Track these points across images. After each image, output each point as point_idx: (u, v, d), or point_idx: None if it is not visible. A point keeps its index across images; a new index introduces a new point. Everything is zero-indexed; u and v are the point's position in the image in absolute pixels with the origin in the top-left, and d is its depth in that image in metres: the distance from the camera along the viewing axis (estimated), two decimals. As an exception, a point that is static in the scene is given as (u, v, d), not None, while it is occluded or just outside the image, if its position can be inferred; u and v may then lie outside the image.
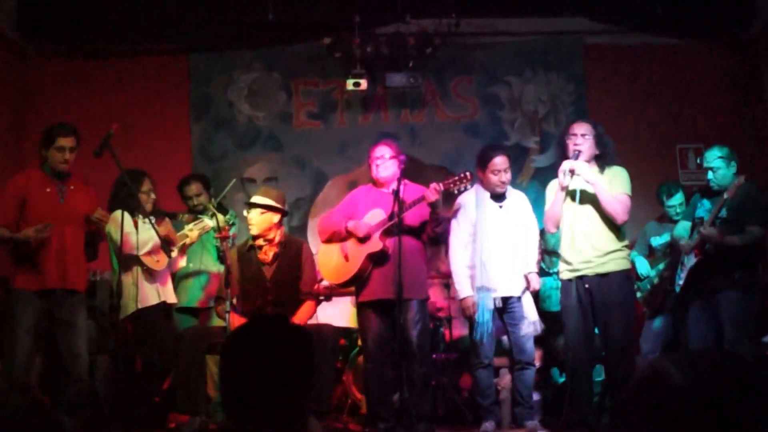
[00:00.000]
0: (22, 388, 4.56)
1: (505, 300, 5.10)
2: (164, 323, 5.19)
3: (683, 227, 5.21)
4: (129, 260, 4.96)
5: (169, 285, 5.28)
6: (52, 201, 4.75)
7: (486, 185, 5.19)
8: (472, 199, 5.20)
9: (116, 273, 4.95)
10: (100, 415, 5.14)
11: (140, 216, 4.99)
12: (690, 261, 4.98)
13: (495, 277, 5.05)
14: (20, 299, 4.67)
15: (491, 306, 5.04)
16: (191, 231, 5.36)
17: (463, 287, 5.13)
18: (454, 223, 5.23)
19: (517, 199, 5.29)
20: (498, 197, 5.20)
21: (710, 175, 5.00)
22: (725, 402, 1.33)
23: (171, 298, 5.27)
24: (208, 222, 5.44)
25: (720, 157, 5.01)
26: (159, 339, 5.08)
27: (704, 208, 5.05)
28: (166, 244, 5.02)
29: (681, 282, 5.06)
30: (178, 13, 6.89)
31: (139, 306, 4.94)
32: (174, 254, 5.25)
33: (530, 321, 5.11)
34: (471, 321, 5.10)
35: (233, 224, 5.41)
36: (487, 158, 5.16)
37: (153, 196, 5.24)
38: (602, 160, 4.89)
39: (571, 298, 4.80)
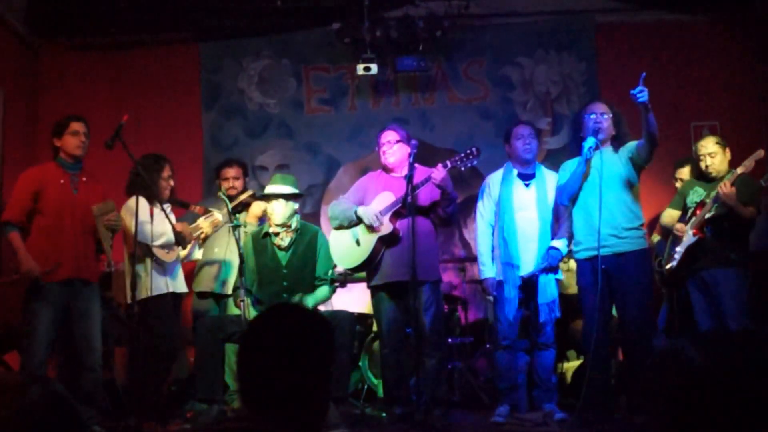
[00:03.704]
0: (41, 380, 4.57)
1: (526, 280, 5.08)
2: (172, 312, 5.20)
3: (668, 215, 5.24)
4: (141, 249, 4.98)
5: (180, 276, 5.27)
6: (66, 192, 4.83)
7: (514, 159, 5.21)
8: (499, 178, 5.21)
9: (129, 262, 4.97)
10: (117, 406, 5.18)
11: (157, 204, 4.99)
12: (685, 241, 5.04)
13: (517, 255, 5.04)
14: (39, 293, 4.70)
15: (516, 282, 5.02)
16: (204, 224, 5.37)
17: (485, 267, 5.11)
18: (479, 203, 5.24)
19: (548, 178, 5.22)
20: (526, 176, 5.18)
21: (708, 161, 5.11)
22: (744, 382, 1.32)
23: (180, 288, 5.26)
24: (218, 216, 5.43)
25: (717, 143, 5.13)
26: (168, 327, 5.10)
27: (697, 194, 5.13)
28: (181, 239, 5.06)
29: (674, 263, 5.10)
30: (187, 2, 6.88)
31: (149, 294, 4.94)
32: (187, 248, 5.28)
33: (545, 303, 5.08)
34: (493, 301, 5.08)
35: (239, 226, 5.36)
36: (510, 130, 5.25)
37: (172, 182, 5.24)
38: (617, 141, 4.90)
39: (587, 279, 4.78)
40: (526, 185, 5.17)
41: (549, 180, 5.20)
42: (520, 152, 5.15)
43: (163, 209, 4.95)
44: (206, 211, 5.44)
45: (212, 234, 5.49)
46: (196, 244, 5.61)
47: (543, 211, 5.11)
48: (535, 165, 5.25)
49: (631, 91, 4.42)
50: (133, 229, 4.81)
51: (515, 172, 5.19)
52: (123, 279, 5.24)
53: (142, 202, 4.90)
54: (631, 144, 4.84)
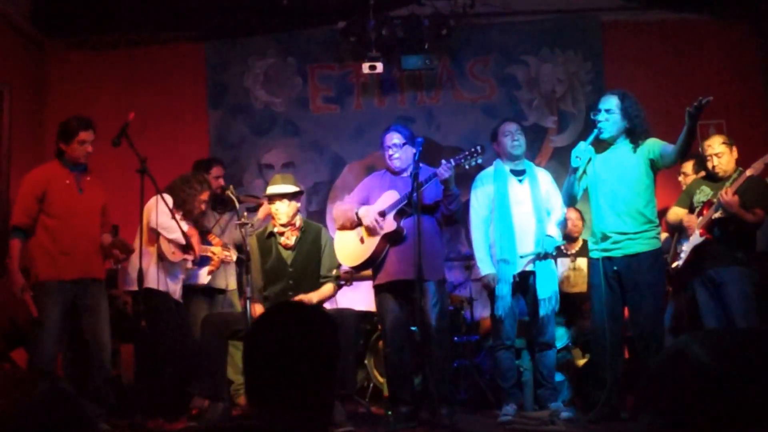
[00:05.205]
0: (48, 377, 4.57)
1: (524, 277, 5.07)
2: (176, 312, 5.22)
3: (674, 213, 5.24)
4: (150, 238, 4.99)
5: (179, 284, 5.30)
6: (71, 192, 4.83)
7: (503, 155, 5.21)
8: (490, 174, 5.21)
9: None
10: (124, 403, 5.19)
11: (180, 214, 5.02)
12: (692, 241, 5.03)
13: (514, 251, 5.02)
14: (47, 291, 4.70)
15: (511, 279, 5.01)
16: (216, 251, 5.43)
17: (483, 264, 5.10)
18: (472, 199, 5.21)
19: (539, 175, 5.25)
20: (517, 172, 5.18)
21: (715, 161, 5.09)
22: (752, 381, 1.31)
23: (176, 294, 5.28)
24: (233, 256, 5.56)
25: (723, 143, 5.10)
26: (170, 324, 5.11)
27: (704, 193, 5.11)
28: (189, 245, 5.09)
29: (680, 262, 5.09)
30: (194, 1, 6.89)
31: (148, 285, 4.95)
32: (189, 263, 5.31)
33: (544, 299, 5.06)
34: (492, 299, 5.08)
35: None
36: (496, 128, 5.27)
37: (203, 207, 5.31)
38: (633, 135, 4.79)
39: (598, 278, 4.76)
40: (519, 181, 5.17)
41: (540, 175, 5.25)
42: (509, 148, 5.14)
43: (177, 222, 4.95)
44: (224, 245, 5.52)
45: (219, 266, 5.57)
46: (200, 269, 5.60)
47: (537, 206, 5.11)
48: (524, 161, 5.26)
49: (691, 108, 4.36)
50: (151, 222, 4.84)
51: (507, 168, 5.19)
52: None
53: (168, 199, 4.94)
54: (656, 144, 4.74)
